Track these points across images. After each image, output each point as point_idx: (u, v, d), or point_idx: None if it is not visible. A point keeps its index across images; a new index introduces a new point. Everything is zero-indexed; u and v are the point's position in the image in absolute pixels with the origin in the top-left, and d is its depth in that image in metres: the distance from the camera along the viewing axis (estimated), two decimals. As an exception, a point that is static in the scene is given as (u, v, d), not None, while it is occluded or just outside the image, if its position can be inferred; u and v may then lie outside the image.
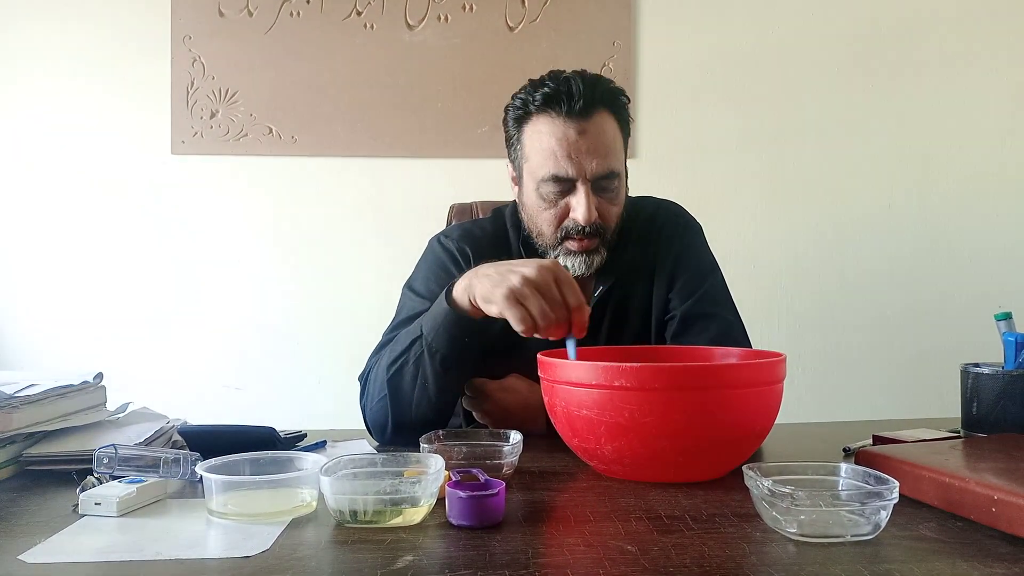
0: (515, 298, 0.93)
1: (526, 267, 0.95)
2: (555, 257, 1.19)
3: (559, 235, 1.19)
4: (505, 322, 0.96)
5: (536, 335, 0.95)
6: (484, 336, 1.05)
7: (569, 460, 0.94)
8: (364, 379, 1.15)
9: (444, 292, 1.05)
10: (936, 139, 2.40)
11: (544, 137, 1.15)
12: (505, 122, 1.23)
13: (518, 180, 1.25)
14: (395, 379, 1.07)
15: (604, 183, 1.17)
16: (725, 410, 0.82)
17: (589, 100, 1.14)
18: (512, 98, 1.21)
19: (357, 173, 2.29)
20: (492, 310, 0.96)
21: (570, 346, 0.96)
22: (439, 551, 0.64)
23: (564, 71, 1.18)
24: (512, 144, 1.23)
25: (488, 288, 0.96)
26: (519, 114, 1.19)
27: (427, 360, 1.05)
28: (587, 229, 1.16)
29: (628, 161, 1.26)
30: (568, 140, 1.14)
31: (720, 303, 1.25)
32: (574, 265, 1.19)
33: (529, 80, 1.20)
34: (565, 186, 1.16)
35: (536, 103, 1.16)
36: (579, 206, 1.15)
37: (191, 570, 0.60)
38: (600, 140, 1.15)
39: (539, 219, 1.20)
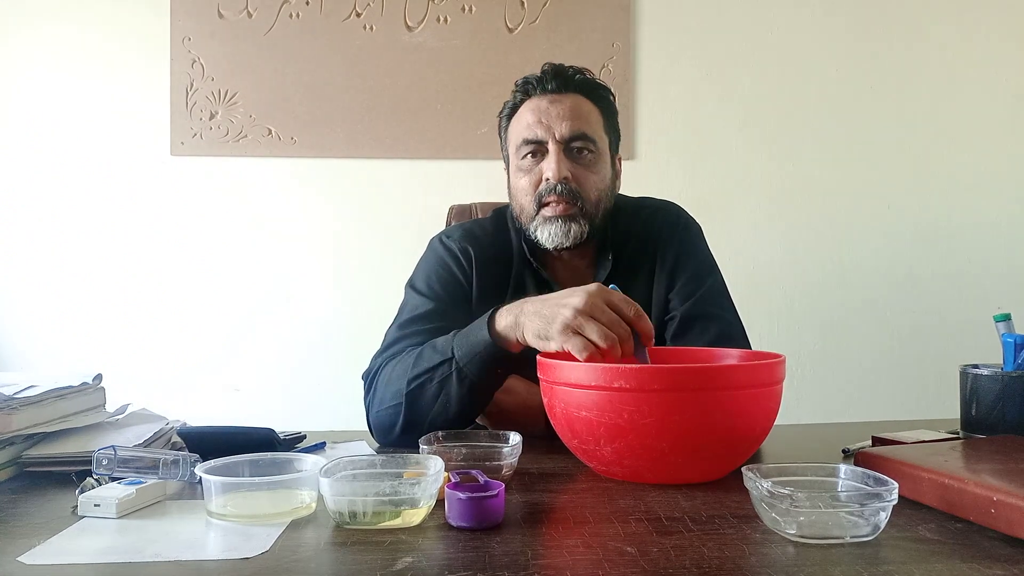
0: (572, 330, 0.91)
1: (573, 296, 0.93)
2: (535, 230, 1.22)
3: (535, 203, 1.21)
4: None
5: (605, 361, 0.92)
6: (514, 363, 1.04)
7: (568, 461, 0.94)
8: (370, 379, 1.15)
9: (486, 321, 1.02)
10: (936, 139, 2.40)
11: (522, 115, 1.24)
12: (500, 125, 1.31)
13: (507, 170, 1.29)
14: (415, 393, 1.06)
15: (576, 145, 1.20)
16: (724, 411, 0.82)
17: (562, 82, 1.23)
18: (504, 104, 1.30)
19: (357, 174, 2.29)
20: (551, 347, 0.94)
21: (641, 356, 0.94)
22: (438, 552, 0.64)
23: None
24: (503, 142, 1.30)
25: (541, 326, 0.94)
26: (509, 110, 1.28)
27: (455, 383, 1.03)
28: (559, 187, 1.18)
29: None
30: (540, 109, 1.21)
31: (720, 304, 1.25)
32: (551, 233, 1.20)
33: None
34: (537, 149, 1.21)
35: (519, 93, 1.25)
36: (549, 164, 1.20)
37: (190, 571, 0.60)
38: (572, 108, 1.21)
39: (518, 192, 1.24)
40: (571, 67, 1.25)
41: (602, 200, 1.24)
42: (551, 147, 1.19)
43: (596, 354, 0.91)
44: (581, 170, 1.21)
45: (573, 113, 1.20)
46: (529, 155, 1.22)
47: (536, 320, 0.95)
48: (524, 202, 1.23)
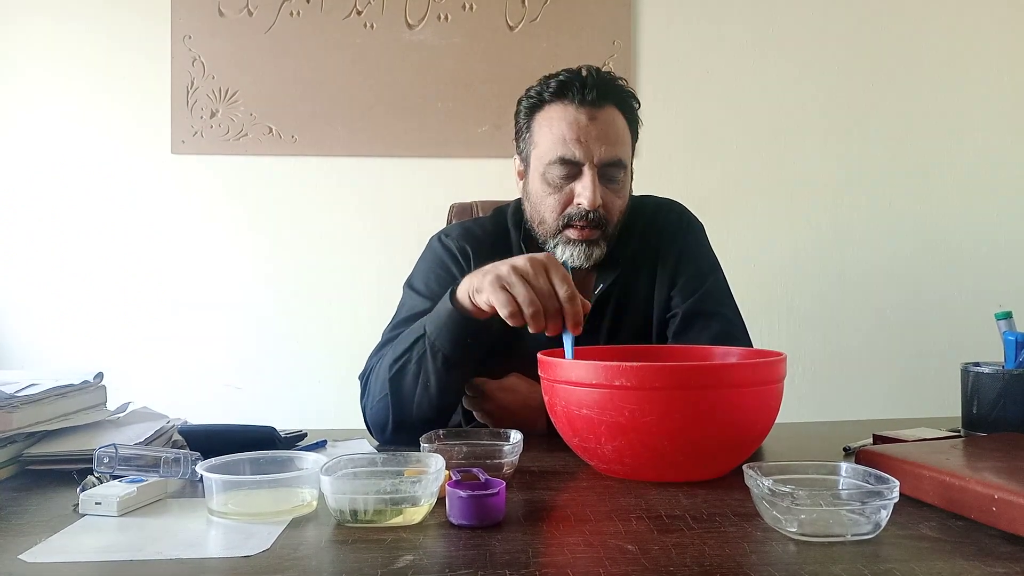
0: (501, 284, 0.94)
1: (518, 258, 0.96)
2: (554, 246, 1.20)
3: (561, 222, 1.19)
4: (505, 322, 0.96)
5: (529, 328, 0.95)
6: (486, 336, 1.05)
7: (569, 459, 0.94)
8: (365, 378, 1.15)
9: (448, 293, 1.04)
10: (936, 139, 2.40)
11: (555, 122, 1.18)
12: (517, 114, 1.25)
13: (524, 170, 1.25)
14: (397, 378, 1.07)
15: (610, 171, 1.18)
16: (725, 409, 0.82)
17: (602, 92, 1.17)
18: (527, 90, 1.24)
19: (357, 172, 2.29)
20: (482, 299, 0.97)
21: (567, 343, 0.96)
22: (439, 551, 0.64)
23: (581, 66, 1.21)
24: (521, 134, 1.25)
25: (479, 279, 0.97)
26: (532, 103, 1.22)
27: (429, 359, 1.04)
28: (591, 215, 1.16)
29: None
30: (579, 124, 1.16)
31: (721, 302, 1.25)
32: (573, 255, 1.19)
33: (544, 75, 1.22)
34: (572, 170, 1.17)
35: (550, 91, 1.19)
36: (585, 190, 1.16)
37: (191, 569, 0.60)
38: (610, 129, 1.17)
39: (542, 206, 1.21)
40: (609, 74, 1.20)
41: (622, 219, 1.23)
42: (587, 171, 1.16)
43: (518, 315, 0.93)
44: (611, 196, 1.19)
45: (611, 136, 1.17)
46: (562, 173, 1.17)
47: (479, 275, 0.98)
48: (547, 217, 1.20)
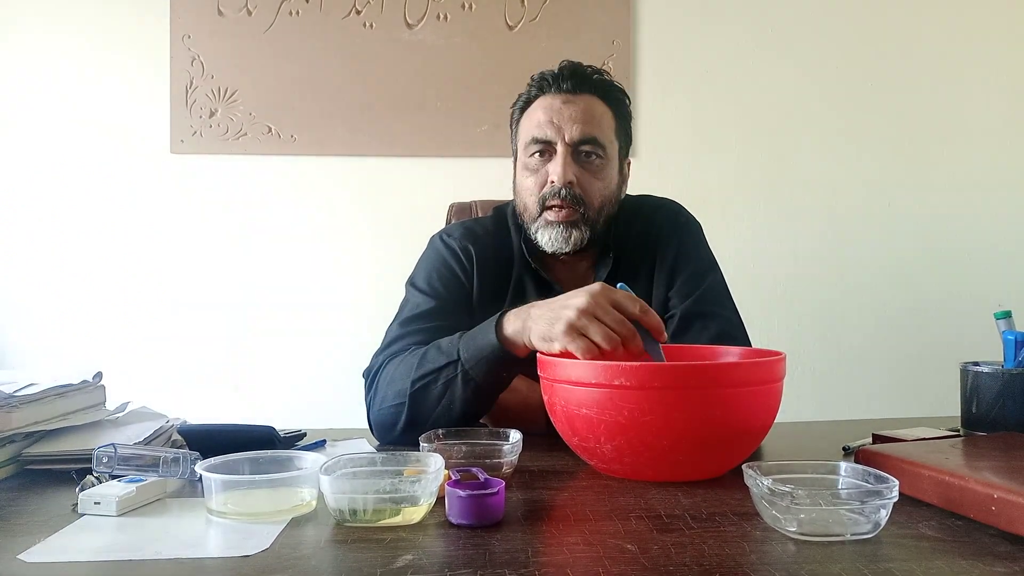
0: (575, 331, 0.91)
1: (577, 297, 0.93)
2: (535, 232, 1.21)
3: (539, 205, 1.21)
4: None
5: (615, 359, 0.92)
6: (520, 366, 1.04)
7: (569, 459, 0.94)
8: (371, 377, 1.14)
9: (494, 325, 1.01)
10: (936, 136, 2.40)
11: (534, 113, 1.23)
12: (511, 116, 1.30)
13: (514, 165, 1.29)
14: (420, 394, 1.05)
15: (584, 149, 1.20)
16: (725, 409, 0.82)
17: (579, 81, 1.21)
18: (518, 96, 1.28)
19: (356, 172, 2.29)
20: (555, 348, 0.93)
21: (654, 352, 0.93)
22: (439, 550, 0.64)
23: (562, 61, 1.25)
24: (513, 135, 1.29)
25: (545, 328, 0.94)
26: (522, 104, 1.27)
27: (459, 386, 1.03)
28: (563, 192, 1.17)
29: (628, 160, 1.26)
30: (552, 108, 1.20)
31: (720, 302, 1.25)
32: (552, 238, 1.19)
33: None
34: (545, 149, 1.20)
35: (534, 88, 1.24)
36: (555, 166, 1.19)
37: (190, 569, 0.60)
38: (584, 111, 1.20)
39: (523, 191, 1.24)
40: (589, 66, 1.23)
41: (605, 206, 1.23)
42: (559, 149, 1.19)
43: (599, 355, 0.91)
44: (587, 176, 1.20)
45: (585, 116, 1.19)
46: (537, 154, 1.21)
47: (541, 323, 0.95)
48: (528, 201, 1.23)
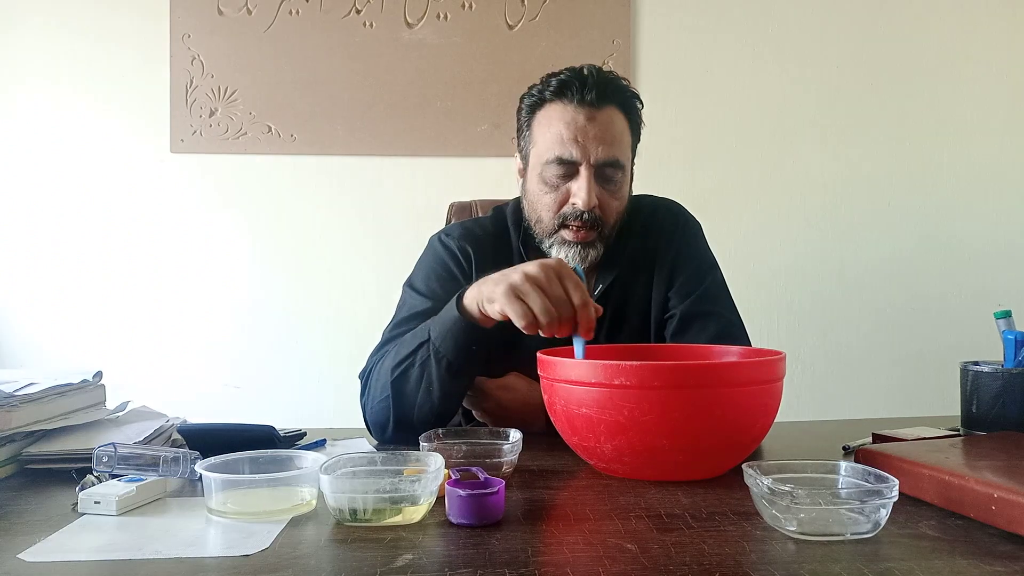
0: (515, 294, 0.93)
1: (529, 265, 0.95)
2: (550, 247, 1.20)
3: (556, 222, 1.19)
4: (506, 320, 0.96)
5: (541, 333, 0.95)
6: (490, 342, 1.05)
7: (569, 458, 0.94)
8: (365, 377, 1.15)
9: (455, 299, 1.03)
10: (937, 136, 2.40)
11: (553, 121, 1.17)
12: (518, 112, 1.25)
13: (524, 168, 1.25)
14: (399, 381, 1.06)
15: (607, 172, 1.17)
16: (725, 408, 0.82)
17: (602, 92, 1.16)
18: (528, 88, 1.23)
19: (356, 171, 2.29)
20: (494, 309, 0.96)
21: (577, 346, 0.96)
22: (439, 549, 0.64)
23: (583, 65, 1.20)
24: (522, 133, 1.25)
25: (490, 289, 0.96)
26: (533, 102, 1.21)
27: (433, 365, 1.04)
28: (585, 215, 1.16)
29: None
30: (576, 124, 1.15)
31: (719, 302, 1.25)
32: (568, 256, 1.19)
33: (547, 74, 1.22)
34: (568, 170, 1.17)
35: (551, 89, 1.19)
36: (580, 190, 1.16)
37: (191, 569, 0.60)
38: (608, 129, 1.16)
39: (539, 204, 1.21)
40: (611, 74, 1.20)
41: (619, 221, 1.23)
42: (583, 171, 1.16)
43: (534, 325, 0.93)
44: (607, 197, 1.19)
45: (609, 135, 1.16)
46: (558, 172, 1.17)
47: (488, 285, 0.97)
48: (544, 216, 1.20)
